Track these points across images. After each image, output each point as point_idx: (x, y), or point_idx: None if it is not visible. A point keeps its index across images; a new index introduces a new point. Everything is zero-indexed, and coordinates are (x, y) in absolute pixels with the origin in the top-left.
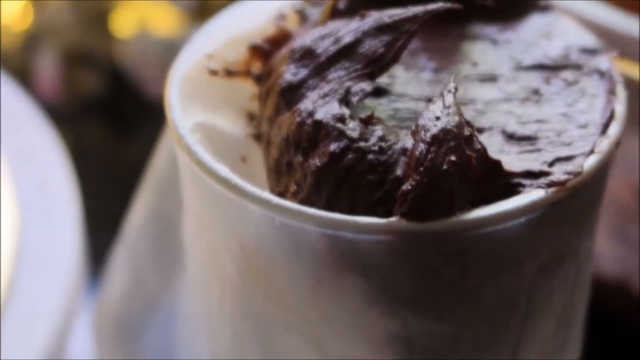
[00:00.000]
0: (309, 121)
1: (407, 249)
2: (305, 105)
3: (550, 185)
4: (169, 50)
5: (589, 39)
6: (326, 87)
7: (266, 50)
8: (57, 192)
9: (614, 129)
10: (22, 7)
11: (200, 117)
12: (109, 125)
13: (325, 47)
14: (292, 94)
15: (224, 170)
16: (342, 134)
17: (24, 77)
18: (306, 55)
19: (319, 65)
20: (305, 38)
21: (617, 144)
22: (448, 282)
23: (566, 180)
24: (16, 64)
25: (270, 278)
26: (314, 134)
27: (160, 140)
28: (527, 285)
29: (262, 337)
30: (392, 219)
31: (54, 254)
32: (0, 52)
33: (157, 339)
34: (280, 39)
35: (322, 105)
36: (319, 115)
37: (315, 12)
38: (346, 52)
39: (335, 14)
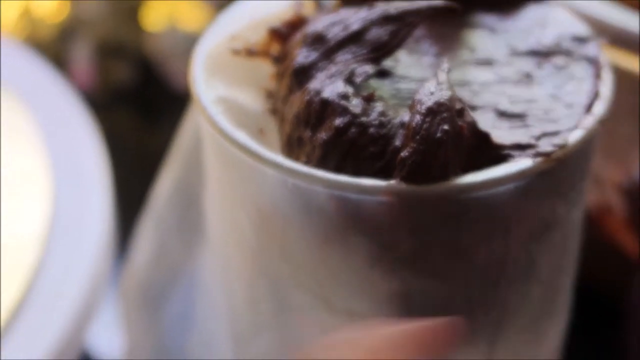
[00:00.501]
0: (316, 99)
1: (405, 210)
2: (314, 85)
3: (536, 155)
4: (196, 44)
5: (580, 28)
6: (333, 69)
7: (284, 33)
8: (91, 171)
9: (598, 108)
10: (59, 1)
11: (222, 91)
12: (138, 114)
13: (335, 33)
14: (303, 75)
15: (242, 137)
16: (345, 110)
17: (59, 66)
18: (317, 40)
19: (328, 49)
20: (317, 24)
21: (601, 121)
22: (443, 243)
23: (552, 152)
24: (52, 55)
25: (284, 238)
26: (321, 110)
27: (185, 118)
28: (515, 249)
29: (276, 293)
30: (392, 182)
31: (85, 226)
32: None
33: (179, 305)
34: (297, 24)
35: (328, 84)
36: (325, 94)
37: (329, 1)
38: (354, 38)
39: (346, 2)
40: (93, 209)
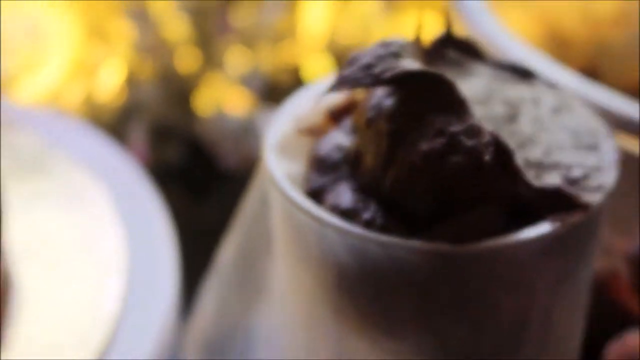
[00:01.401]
0: None
1: (446, 267)
2: None
3: (554, 220)
4: (242, 128)
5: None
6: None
7: (339, 115)
8: (162, 243)
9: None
10: (118, 86)
11: (288, 167)
12: (188, 192)
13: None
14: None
15: (309, 205)
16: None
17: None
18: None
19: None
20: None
21: (609, 195)
22: (475, 295)
23: (568, 218)
24: (112, 134)
25: (340, 290)
26: None
27: (248, 193)
28: (535, 301)
29: (334, 342)
30: (437, 243)
31: (157, 293)
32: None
33: (238, 357)
34: (350, 107)
35: None
36: None
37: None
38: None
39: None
40: (164, 278)
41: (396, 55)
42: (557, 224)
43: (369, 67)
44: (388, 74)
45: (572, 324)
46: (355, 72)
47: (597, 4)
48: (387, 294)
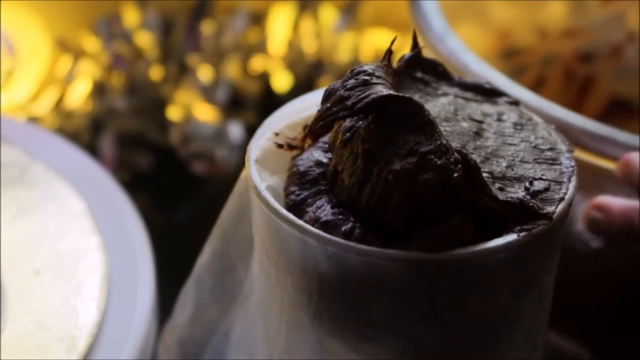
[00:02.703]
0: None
1: (421, 273)
2: None
3: (520, 231)
4: (211, 136)
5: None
6: None
7: (316, 132)
8: (138, 244)
9: (569, 196)
10: (88, 96)
11: (269, 179)
12: (160, 198)
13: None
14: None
15: (292, 217)
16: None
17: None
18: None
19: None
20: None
21: (570, 205)
22: (449, 298)
23: (533, 228)
24: (82, 143)
25: (320, 294)
26: None
27: (227, 200)
28: (504, 303)
29: (312, 341)
30: (412, 251)
31: (138, 291)
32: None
33: (214, 357)
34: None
35: None
36: None
37: None
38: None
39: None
40: (141, 280)
41: (366, 83)
42: (523, 234)
43: (342, 99)
44: (361, 105)
45: (537, 323)
46: (331, 107)
47: (547, 16)
48: (365, 300)
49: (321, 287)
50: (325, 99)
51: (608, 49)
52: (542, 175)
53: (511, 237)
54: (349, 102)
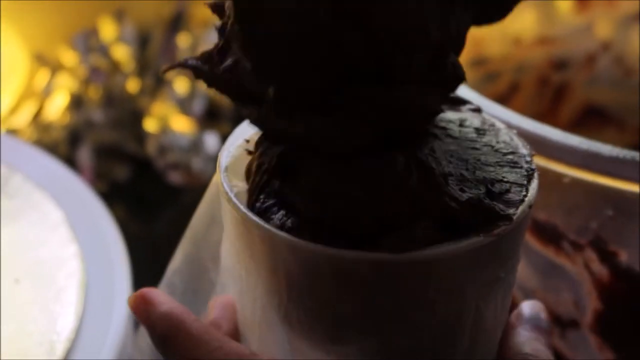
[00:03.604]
0: None
1: (385, 273)
2: None
3: (485, 234)
4: (187, 146)
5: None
6: None
7: None
8: (114, 258)
9: (530, 198)
10: (65, 109)
11: (240, 187)
12: (137, 208)
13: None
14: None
15: (262, 221)
16: None
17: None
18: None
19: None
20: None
21: (530, 207)
22: (413, 298)
23: (496, 230)
24: (60, 155)
25: (289, 292)
26: None
27: (197, 208)
28: (468, 302)
29: (284, 341)
30: (378, 253)
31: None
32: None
33: None
34: None
35: None
36: None
37: None
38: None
39: None
40: (118, 288)
41: None
42: (485, 235)
43: None
44: None
45: (499, 319)
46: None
47: (519, 24)
48: (333, 301)
49: (290, 289)
50: None
51: (582, 57)
52: (504, 177)
53: (474, 238)
54: None
